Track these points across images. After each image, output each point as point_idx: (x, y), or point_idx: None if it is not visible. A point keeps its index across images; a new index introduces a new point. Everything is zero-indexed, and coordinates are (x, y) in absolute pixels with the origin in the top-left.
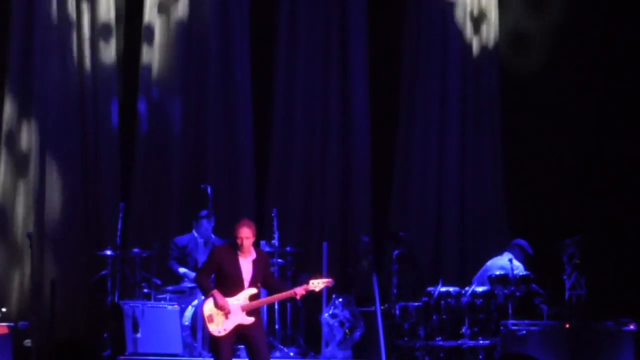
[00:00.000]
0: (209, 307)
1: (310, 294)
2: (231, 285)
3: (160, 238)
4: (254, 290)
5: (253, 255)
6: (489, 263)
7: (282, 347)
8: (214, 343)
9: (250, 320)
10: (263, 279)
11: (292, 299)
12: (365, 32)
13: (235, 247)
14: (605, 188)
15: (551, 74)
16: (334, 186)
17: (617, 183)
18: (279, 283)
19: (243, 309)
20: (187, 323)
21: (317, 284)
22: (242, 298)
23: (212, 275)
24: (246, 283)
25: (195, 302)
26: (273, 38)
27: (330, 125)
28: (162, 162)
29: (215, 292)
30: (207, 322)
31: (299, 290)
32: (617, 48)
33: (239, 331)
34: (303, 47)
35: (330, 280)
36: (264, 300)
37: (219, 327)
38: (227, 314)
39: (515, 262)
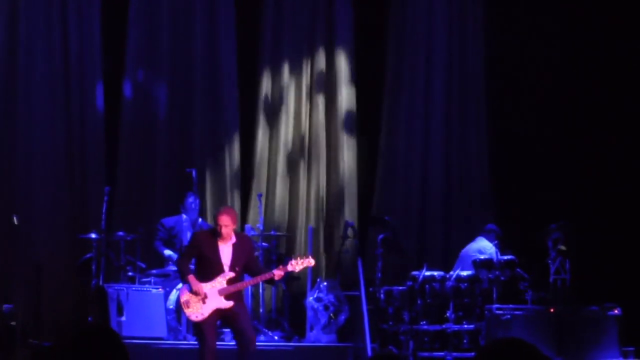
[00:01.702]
0: (186, 293)
1: (292, 275)
2: (210, 270)
3: (145, 222)
4: (231, 274)
5: (233, 239)
6: (467, 249)
7: (266, 330)
8: (196, 328)
9: (229, 304)
10: (245, 263)
11: (272, 281)
12: (350, 15)
13: (215, 233)
14: (591, 173)
15: (538, 55)
16: (318, 170)
17: (602, 168)
18: (261, 268)
19: (220, 292)
20: (171, 307)
21: (296, 264)
22: (219, 282)
23: (193, 260)
24: (225, 267)
25: (180, 285)
26: (259, 18)
27: (316, 107)
28: (147, 146)
29: (190, 277)
30: (184, 308)
31: (278, 272)
32: (609, 29)
33: (220, 315)
34: (289, 27)
35: (310, 259)
36: (242, 283)
37: (196, 311)
38: (203, 299)
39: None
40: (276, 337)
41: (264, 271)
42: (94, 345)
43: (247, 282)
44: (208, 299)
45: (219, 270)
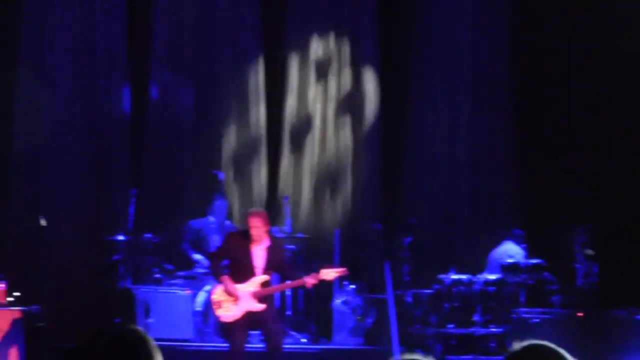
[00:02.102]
0: (218, 292)
1: (322, 281)
2: (243, 272)
3: (172, 224)
4: (265, 277)
5: (266, 243)
6: (495, 253)
7: (293, 333)
8: (225, 329)
9: (261, 307)
10: (277, 267)
11: (303, 287)
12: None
13: (248, 235)
14: (618, 175)
15: (565, 57)
16: (345, 172)
17: (630, 170)
18: (293, 271)
19: (253, 295)
20: (198, 308)
21: (328, 273)
22: (253, 285)
23: (225, 262)
24: (257, 270)
25: (207, 287)
26: (284, 21)
27: (342, 110)
28: (173, 148)
29: (225, 277)
30: (215, 308)
31: (310, 279)
32: None
33: (251, 318)
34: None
35: (343, 269)
36: (275, 287)
37: (228, 312)
38: (235, 300)
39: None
40: (303, 340)
41: (297, 277)
42: (126, 347)
43: (280, 287)
44: (240, 301)
45: (251, 272)
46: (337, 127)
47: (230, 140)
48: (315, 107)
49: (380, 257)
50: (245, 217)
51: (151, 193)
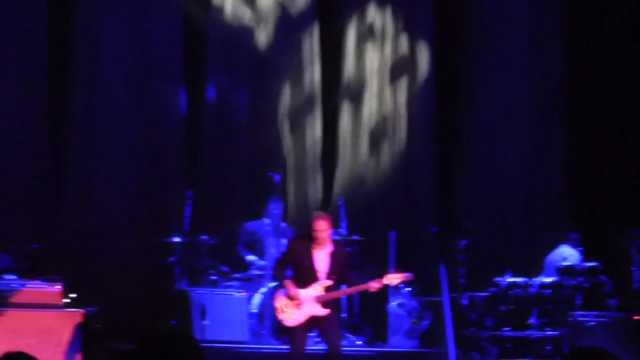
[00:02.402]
0: (281, 297)
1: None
2: (306, 277)
3: (227, 226)
4: (329, 282)
5: (330, 247)
6: (551, 256)
7: (349, 335)
8: (288, 332)
9: (324, 311)
10: (340, 271)
11: (366, 292)
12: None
13: (310, 239)
14: None
15: (621, 60)
16: (399, 175)
17: None
18: (356, 276)
19: (317, 300)
20: (254, 310)
21: (393, 278)
22: (316, 289)
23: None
24: (320, 275)
25: (263, 289)
26: (340, 25)
27: (395, 113)
28: (229, 150)
29: (287, 282)
30: (278, 312)
31: (374, 284)
32: None
33: (314, 322)
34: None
35: (408, 275)
36: (339, 292)
37: (291, 317)
38: (298, 305)
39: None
40: (359, 342)
41: (360, 281)
42: (172, 349)
43: (344, 292)
44: (303, 305)
45: (314, 277)
46: (391, 127)
47: (285, 142)
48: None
49: (436, 260)
50: (310, 220)
51: (207, 195)
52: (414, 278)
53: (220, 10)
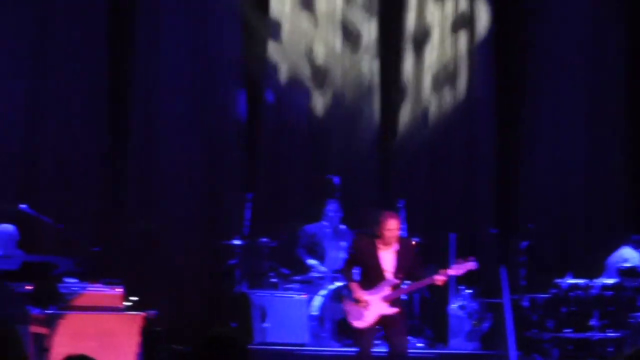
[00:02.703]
0: (349, 300)
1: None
2: (372, 276)
3: (287, 228)
4: (395, 281)
5: (396, 246)
6: (612, 257)
7: (410, 337)
8: (355, 334)
9: (393, 310)
10: (407, 269)
11: (432, 286)
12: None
13: (375, 238)
14: None
15: None
16: (459, 177)
17: None
18: (423, 273)
19: (384, 299)
20: (314, 313)
21: (457, 268)
22: (383, 289)
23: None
24: (387, 273)
25: (323, 292)
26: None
27: (455, 116)
28: (287, 152)
29: (352, 284)
30: (347, 316)
31: (439, 277)
32: None
33: (383, 321)
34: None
35: (472, 263)
36: (405, 289)
37: (360, 319)
38: (367, 306)
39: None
40: (419, 344)
41: (426, 277)
42: (220, 352)
43: (410, 288)
44: (371, 306)
45: (381, 276)
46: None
47: (343, 144)
48: None
49: (497, 262)
50: (378, 219)
51: (267, 197)
52: (477, 268)
53: (280, 13)
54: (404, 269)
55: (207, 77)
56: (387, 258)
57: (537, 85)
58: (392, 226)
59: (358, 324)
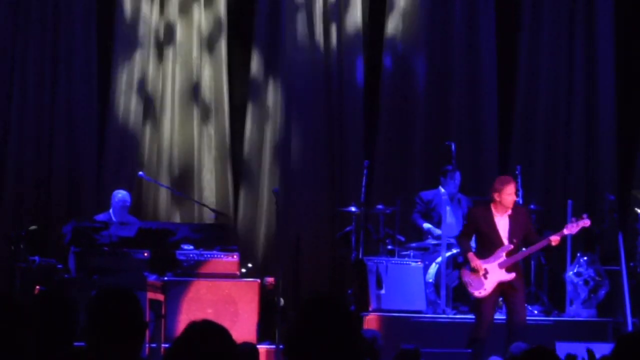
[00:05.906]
0: (466, 272)
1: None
2: (489, 244)
3: (403, 195)
4: (510, 247)
5: (509, 211)
6: None
7: (526, 305)
8: (475, 304)
9: (511, 275)
10: (522, 233)
11: (548, 248)
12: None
13: (489, 205)
14: None
15: None
16: (578, 143)
17: None
18: (537, 237)
19: (501, 265)
20: (430, 280)
21: (573, 227)
22: (499, 255)
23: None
24: (504, 240)
25: (439, 259)
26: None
27: (575, 84)
28: (406, 119)
29: (469, 254)
30: (467, 286)
31: (555, 237)
32: None
33: (502, 288)
34: (549, 4)
35: (585, 221)
36: (522, 253)
37: (479, 288)
38: (485, 275)
39: None
40: (536, 312)
41: (540, 240)
42: (321, 316)
43: (526, 252)
44: (489, 274)
45: (498, 243)
46: (570, 98)
47: (462, 110)
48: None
49: (614, 228)
50: (494, 184)
51: (383, 164)
52: (590, 226)
53: None
54: (519, 234)
55: (327, 44)
56: (503, 224)
57: None
58: (511, 191)
59: (479, 293)
